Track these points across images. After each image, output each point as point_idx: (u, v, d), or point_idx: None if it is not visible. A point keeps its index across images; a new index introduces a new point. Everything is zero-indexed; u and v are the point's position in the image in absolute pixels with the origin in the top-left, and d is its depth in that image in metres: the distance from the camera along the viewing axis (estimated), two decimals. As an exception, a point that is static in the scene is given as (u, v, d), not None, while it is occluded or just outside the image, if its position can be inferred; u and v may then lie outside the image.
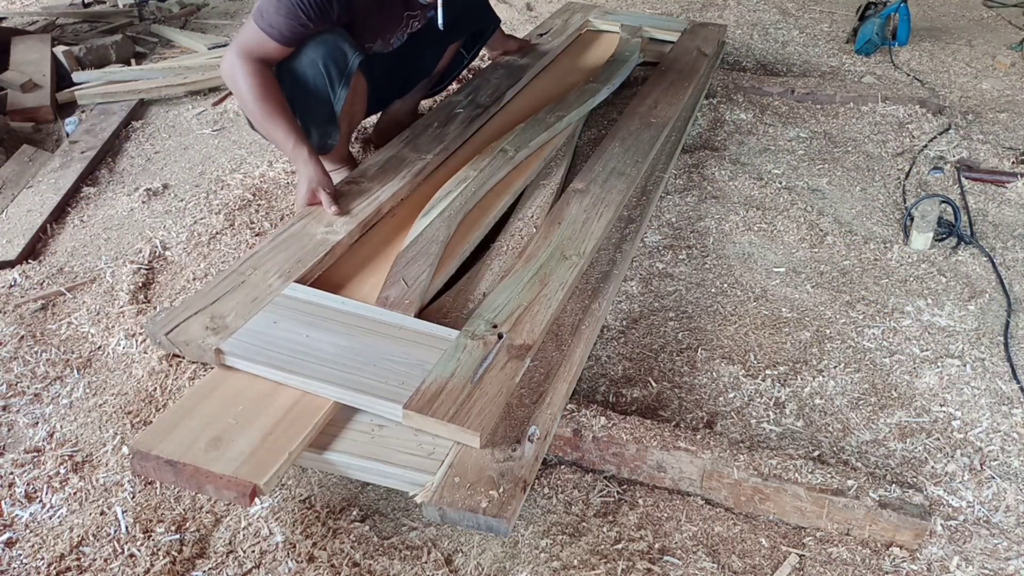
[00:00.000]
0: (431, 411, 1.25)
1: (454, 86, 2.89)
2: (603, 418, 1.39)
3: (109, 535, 1.32)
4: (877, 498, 1.26)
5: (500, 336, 1.44)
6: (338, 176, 2.24)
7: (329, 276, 1.65)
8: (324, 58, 1.90)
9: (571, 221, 1.83)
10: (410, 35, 2.21)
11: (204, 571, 1.27)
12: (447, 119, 2.24)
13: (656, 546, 1.28)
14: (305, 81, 1.92)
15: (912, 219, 2.04)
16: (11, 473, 1.46)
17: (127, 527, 1.33)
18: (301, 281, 1.56)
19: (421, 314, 1.56)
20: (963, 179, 2.32)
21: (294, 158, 1.86)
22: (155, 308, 1.86)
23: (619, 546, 1.28)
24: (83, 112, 2.98)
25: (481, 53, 2.83)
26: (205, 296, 1.48)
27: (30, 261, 2.10)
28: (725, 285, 1.88)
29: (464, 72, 3.03)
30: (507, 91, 2.47)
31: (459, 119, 2.24)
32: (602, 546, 1.28)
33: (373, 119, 2.62)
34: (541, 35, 2.97)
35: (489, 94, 2.44)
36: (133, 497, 1.39)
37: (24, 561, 1.29)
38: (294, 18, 1.80)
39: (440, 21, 2.02)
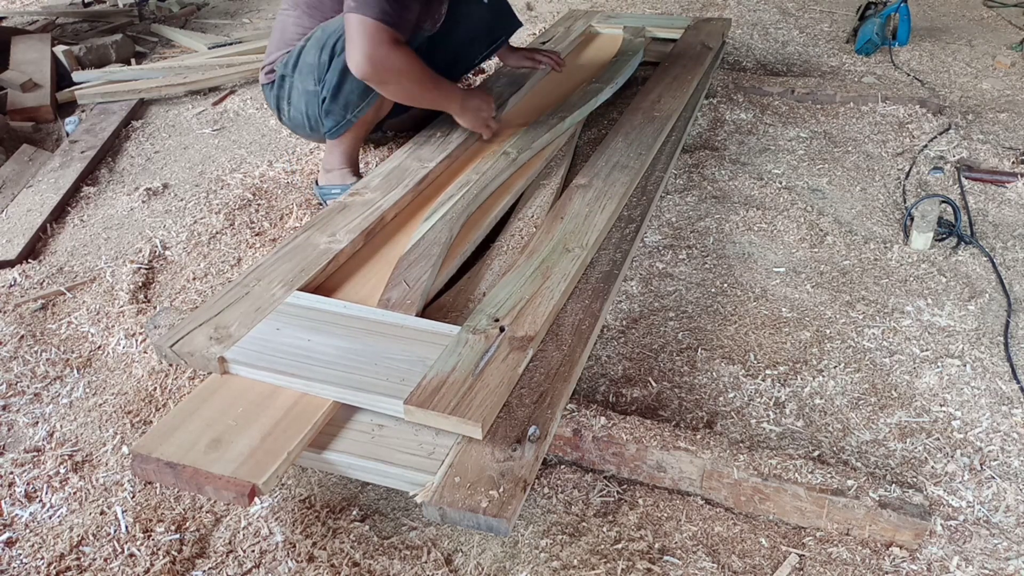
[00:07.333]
0: (432, 405, 1.26)
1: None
2: (603, 418, 1.39)
3: (109, 535, 1.32)
4: (877, 498, 1.26)
5: (502, 329, 1.44)
6: (336, 177, 2.22)
7: (332, 283, 1.65)
8: None
9: (574, 215, 1.83)
10: (441, 27, 2.24)
11: (204, 571, 1.27)
12: (450, 128, 2.23)
13: (656, 546, 1.28)
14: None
15: (912, 219, 2.04)
16: (11, 473, 1.46)
17: (127, 527, 1.33)
18: (304, 289, 1.56)
19: (422, 314, 1.56)
20: (963, 179, 2.32)
21: (464, 98, 2.09)
22: (155, 308, 1.86)
23: (619, 546, 1.28)
24: (83, 112, 2.98)
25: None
26: (209, 309, 1.49)
27: (30, 261, 2.10)
28: (725, 285, 1.88)
29: (471, 76, 3.04)
30: (510, 98, 2.47)
31: (461, 127, 2.24)
32: (602, 546, 1.28)
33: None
34: (544, 43, 2.97)
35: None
36: (133, 497, 1.39)
37: (24, 561, 1.29)
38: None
39: None
